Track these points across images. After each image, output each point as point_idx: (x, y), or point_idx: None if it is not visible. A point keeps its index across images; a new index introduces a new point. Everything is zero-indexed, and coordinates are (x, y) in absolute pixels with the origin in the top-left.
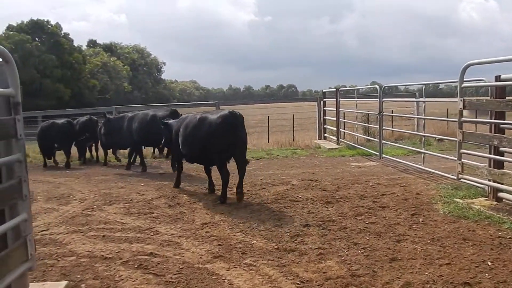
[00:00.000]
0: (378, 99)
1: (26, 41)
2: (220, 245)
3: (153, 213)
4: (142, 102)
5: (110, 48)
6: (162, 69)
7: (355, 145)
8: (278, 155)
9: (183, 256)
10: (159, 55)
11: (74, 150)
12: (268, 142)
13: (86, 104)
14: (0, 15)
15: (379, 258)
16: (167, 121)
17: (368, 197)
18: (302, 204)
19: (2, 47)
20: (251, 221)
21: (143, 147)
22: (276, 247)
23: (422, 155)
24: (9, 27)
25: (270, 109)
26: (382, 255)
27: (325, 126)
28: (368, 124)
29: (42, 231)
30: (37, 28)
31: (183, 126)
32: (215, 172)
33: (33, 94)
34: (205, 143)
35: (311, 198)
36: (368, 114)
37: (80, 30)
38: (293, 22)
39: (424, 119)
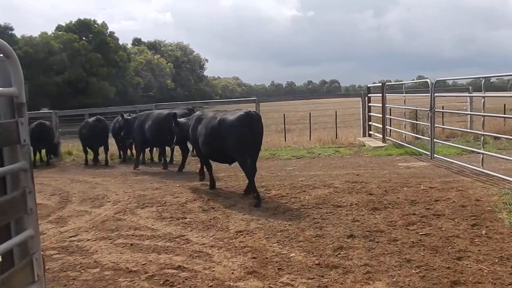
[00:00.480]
0: (429, 94)
1: (74, 40)
2: (254, 258)
3: (185, 218)
4: (185, 99)
5: (154, 46)
6: (204, 66)
7: (402, 143)
8: (320, 154)
9: (214, 270)
10: (202, 52)
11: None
12: (310, 139)
13: (130, 101)
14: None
15: (438, 281)
16: (179, 120)
17: (420, 203)
18: (346, 210)
19: (1, 40)
20: (290, 229)
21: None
22: (317, 262)
23: (481, 156)
24: (59, 27)
25: (312, 105)
26: (441, 277)
27: (369, 123)
28: (416, 121)
29: (71, 237)
30: (84, 27)
31: (203, 126)
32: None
33: (79, 92)
34: (224, 142)
35: (355, 203)
36: (416, 110)
37: (128, 29)
38: (336, 16)
39: (484, 116)
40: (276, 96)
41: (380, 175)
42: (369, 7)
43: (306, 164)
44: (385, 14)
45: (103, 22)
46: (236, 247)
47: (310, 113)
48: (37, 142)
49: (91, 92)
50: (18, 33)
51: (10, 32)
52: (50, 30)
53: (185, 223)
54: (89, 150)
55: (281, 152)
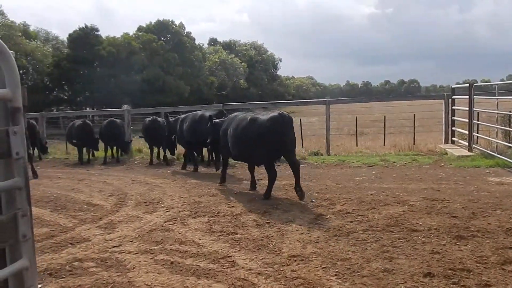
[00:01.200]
0: None
1: (153, 40)
2: None
3: (236, 233)
4: (258, 99)
5: (229, 46)
6: (278, 66)
7: (493, 153)
8: (394, 162)
9: None
10: (276, 51)
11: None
12: (384, 145)
13: (204, 100)
14: (139, 18)
15: None
16: (216, 120)
17: None
18: (423, 237)
19: None
20: (353, 258)
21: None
22: None
23: None
24: (140, 28)
25: (389, 107)
26: None
27: (453, 128)
28: (510, 127)
29: (114, 247)
30: (162, 28)
31: (233, 126)
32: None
33: (157, 91)
34: (254, 143)
35: (435, 228)
36: (511, 115)
37: (206, 30)
38: (416, 13)
39: None
40: (351, 97)
41: (465, 192)
42: (454, 2)
43: (378, 174)
44: (470, 9)
45: (181, 22)
46: (286, 277)
47: (384, 116)
48: (108, 139)
49: (168, 90)
50: (105, 33)
51: (95, 33)
52: (132, 31)
53: (235, 240)
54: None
55: (351, 159)
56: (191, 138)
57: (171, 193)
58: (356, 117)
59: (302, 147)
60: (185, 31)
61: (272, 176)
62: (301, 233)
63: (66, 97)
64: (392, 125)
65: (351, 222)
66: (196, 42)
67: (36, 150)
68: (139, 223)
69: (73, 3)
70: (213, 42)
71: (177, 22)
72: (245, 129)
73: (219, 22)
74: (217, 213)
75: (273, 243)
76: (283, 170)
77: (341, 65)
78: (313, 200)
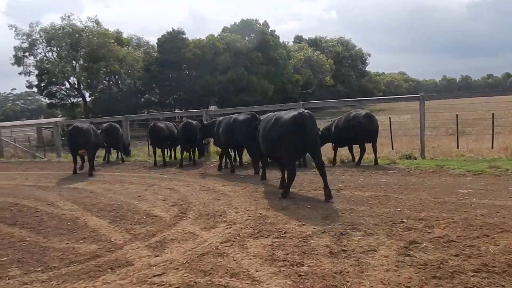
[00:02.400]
0: None
1: (237, 40)
2: None
3: (303, 264)
4: (345, 96)
5: (315, 43)
6: (367, 61)
7: None
8: (508, 170)
9: None
10: (365, 46)
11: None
12: (492, 147)
13: (288, 99)
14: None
15: None
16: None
17: None
18: None
19: None
20: None
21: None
22: None
23: None
24: (224, 29)
25: (493, 103)
26: None
27: None
28: None
29: (155, 275)
30: (247, 27)
31: (262, 127)
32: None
33: (241, 90)
34: (277, 141)
35: None
36: None
37: (294, 28)
38: None
39: None
40: (448, 92)
41: None
42: None
43: (489, 186)
44: None
45: (265, 21)
46: None
47: (493, 113)
48: (184, 141)
49: (252, 90)
50: (192, 36)
51: (182, 36)
52: (217, 31)
53: (299, 275)
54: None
55: (451, 164)
56: (226, 140)
57: (237, 204)
58: (457, 114)
59: (392, 149)
60: (269, 30)
61: (291, 175)
62: (387, 270)
63: (156, 100)
64: (499, 123)
65: (455, 256)
66: (281, 40)
67: (119, 153)
68: (193, 243)
69: (168, 11)
70: (298, 39)
71: (258, 20)
72: (270, 129)
73: (306, 20)
74: (284, 233)
75: (348, 284)
76: (368, 177)
77: (436, 58)
78: (404, 220)
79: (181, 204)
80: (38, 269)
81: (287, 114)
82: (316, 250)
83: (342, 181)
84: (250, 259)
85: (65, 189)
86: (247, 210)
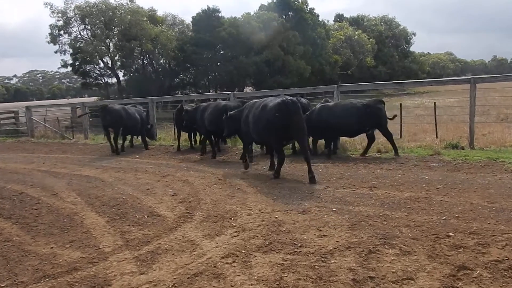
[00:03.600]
0: None
1: (273, 19)
2: None
3: None
4: (387, 78)
5: (356, 21)
6: (411, 41)
7: None
8: None
9: None
10: (410, 26)
11: None
12: None
13: (327, 81)
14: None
15: None
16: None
17: None
18: None
19: None
20: None
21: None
22: None
23: None
24: (261, 7)
25: None
26: None
27: None
28: None
29: None
30: (284, 5)
31: (250, 114)
32: None
33: (276, 72)
34: (264, 128)
35: None
36: None
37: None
38: None
39: None
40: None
41: None
42: None
43: None
44: None
45: None
46: None
47: None
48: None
49: (287, 71)
50: (227, 14)
51: (217, 14)
52: (253, 10)
53: None
54: None
55: (506, 156)
56: (210, 127)
57: (251, 204)
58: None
59: (437, 137)
60: (308, 8)
61: (280, 159)
62: None
63: (191, 80)
64: None
65: None
66: (320, 19)
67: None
68: (189, 257)
69: None
70: (339, 18)
71: None
72: (258, 116)
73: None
74: (300, 246)
75: None
76: (407, 172)
77: (486, 38)
78: (451, 234)
79: (190, 201)
80: (3, 285)
81: (272, 102)
82: (336, 275)
83: (377, 177)
84: (251, 284)
85: (76, 177)
86: (262, 212)
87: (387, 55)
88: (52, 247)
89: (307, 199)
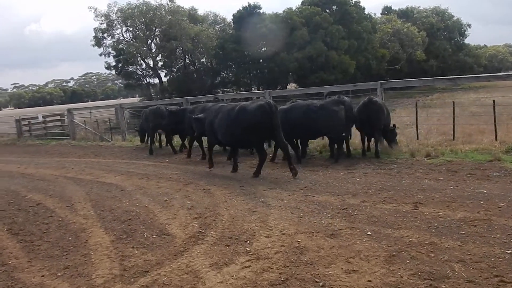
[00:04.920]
0: None
1: (316, 13)
2: None
3: None
4: (439, 72)
5: (405, 14)
6: (466, 33)
7: None
8: None
9: None
10: (464, 17)
11: None
12: None
13: (373, 76)
14: None
15: None
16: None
17: None
18: None
19: None
20: None
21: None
22: None
23: None
24: (303, 2)
25: None
26: None
27: None
28: None
29: None
30: None
31: (220, 117)
32: None
33: (319, 68)
34: (244, 129)
35: None
36: None
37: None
38: None
39: None
40: None
41: None
42: None
43: None
44: None
45: None
46: None
47: None
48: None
49: (331, 67)
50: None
51: (258, 11)
52: (295, 5)
53: None
54: None
55: None
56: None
57: (273, 222)
58: None
59: (496, 139)
60: (352, 1)
61: (262, 157)
62: None
63: (233, 79)
64: None
65: None
66: (366, 12)
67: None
68: None
69: None
70: (386, 10)
71: None
72: (235, 118)
73: None
74: (321, 286)
75: None
76: (461, 184)
77: None
78: None
79: (205, 217)
80: None
81: (251, 105)
82: None
83: (423, 189)
84: None
85: (97, 185)
86: (283, 233)
87: (439, 48)
88: (42, 276)
89: (338, 217)
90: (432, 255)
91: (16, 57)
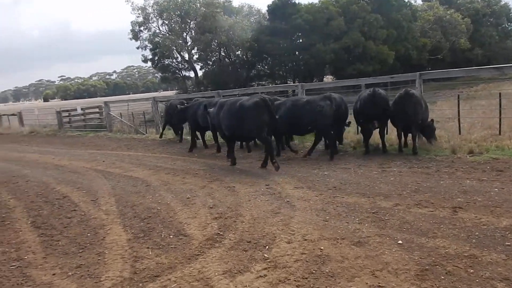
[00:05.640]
0: None
1: (353, 2)
2: None
3: None
4: (485, 61)
5: (448, 0)
6: None
7: None
8: None
9: None
10: None
11: None
12: None
13: (413, 67)
14: None
15: None
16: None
17: None
18: None
19: None
20: None
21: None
22: None
23: None
24: None
25: None
26: None
27: None
28: None
29: None
30: None
31: (224, 111)
32: None
33: (356, 59)
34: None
35: None
36: None
37: None
38: None
39: None
40: None
41: None
42: None
43: None
44: None
45: None
46: None
47: None
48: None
49: (368, 58)
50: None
51: (293, 1)
52: None
53: None
54: None
55: None
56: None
57: (296, 225)
58: None
59: None
60: None
61: (269, 145)
62: None
63: (268, 71)
64: None
65: None
66: (406, 0)
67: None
68: None
69: None
70: None
71: None
72: (236, 112)
73: None
74: None
75: None
76: (507, 185)
77: None
78: None
79: (226, 217)
80: None
81: (249, 101)
82: None
83: (464, 191)
84: None
85: (124, 179)
86: (306, 239)
87: (484, 35)
88: (54, 274)
89: (367, 222)
90: (471, 270)
91: (63, 51)
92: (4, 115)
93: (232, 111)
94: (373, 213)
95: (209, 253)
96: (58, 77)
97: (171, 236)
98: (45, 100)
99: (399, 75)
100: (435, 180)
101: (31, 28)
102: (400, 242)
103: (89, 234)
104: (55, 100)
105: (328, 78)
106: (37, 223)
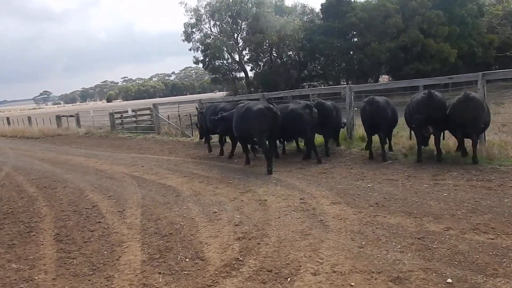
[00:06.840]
0: None
1: None
2: None
3: None
4: None
5: None
6: None
7: None
8: None
9: None
10: None
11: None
12: None
13: (477, 66)
14: None
15: None
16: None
17: None
18: None
19: None
20: None
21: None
22: None
23: None
24: None
25: None
26: None
27: None
28: None
29: None
30: None
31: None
32: None
33: (414, 58)
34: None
35: None
36: None
37: None
38: None
39: None
40: None
41: None
42: None
43: None
44: None
45: None
46: None
47: None
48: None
49: (427, 56)
50: None
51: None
52: None
53: None
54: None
55: None
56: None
57: (326, 252)
58: None
59: None
60: None
61: (267, 152)
62: None
63: (321, 72)
64: None
65: None
66: None
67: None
68: None
69: None
70: None
71: None
72: (244, 117)
73: None
74: None
75: None
76: None
77: None
78: None
79: (250, 238)
80: None
81: (255, 106)
82: None
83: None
84: None
85: (157, 188)
86: (335, 270)
87: None
88: None
89: (410, 251)
90: None
91: (126, 53)
92: (63, 116)
93: (241, 115)
94: (418, 238)
95: (223, 283)
96: (121, 78)
97: (187, 260)
98: (108, 100)
99: (459, 76)
100: (498, 197)
101: (99, 30)
102: (449, 280)
103: (105, 252)
104: (118, 100)
105: (383, 78)
106: (60, 236)
